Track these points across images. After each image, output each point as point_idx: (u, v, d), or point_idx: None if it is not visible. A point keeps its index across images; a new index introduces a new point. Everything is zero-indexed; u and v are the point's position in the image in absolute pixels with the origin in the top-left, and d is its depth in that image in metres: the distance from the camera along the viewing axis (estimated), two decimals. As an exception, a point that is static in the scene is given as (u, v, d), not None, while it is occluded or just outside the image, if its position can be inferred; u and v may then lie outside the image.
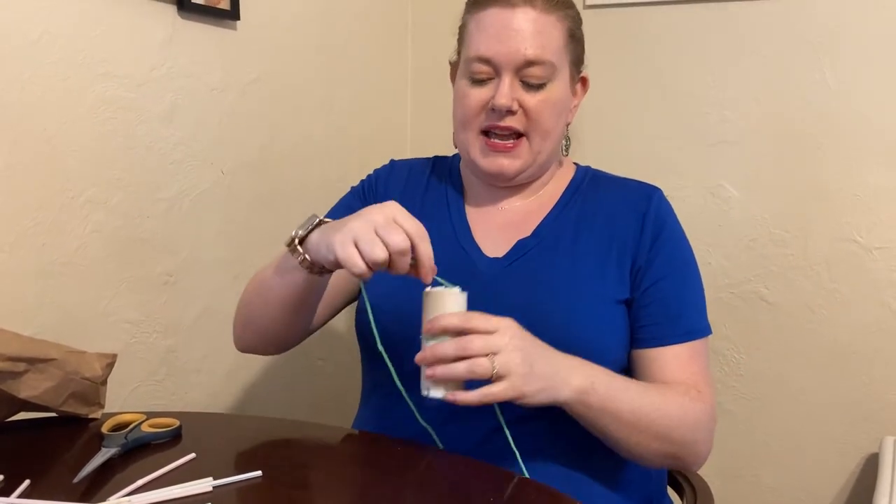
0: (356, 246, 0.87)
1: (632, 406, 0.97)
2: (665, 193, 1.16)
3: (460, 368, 0.87)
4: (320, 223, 0.96)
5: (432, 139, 1.24)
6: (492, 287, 1.06)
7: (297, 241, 0.96)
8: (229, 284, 1.46)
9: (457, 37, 1.17)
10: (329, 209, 1.24)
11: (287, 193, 1.58)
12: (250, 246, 1.50)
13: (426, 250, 0.90)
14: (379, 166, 1.28)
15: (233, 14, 1.40)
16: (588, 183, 1.19)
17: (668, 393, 1.02)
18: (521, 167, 1.11)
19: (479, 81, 1.09)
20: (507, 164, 1.10)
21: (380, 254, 0.86)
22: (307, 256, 0.95)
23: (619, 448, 1.01)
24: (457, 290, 0.90)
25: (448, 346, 0.87)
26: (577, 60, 1.14)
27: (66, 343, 1.02)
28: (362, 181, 1.27)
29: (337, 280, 1.12)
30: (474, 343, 0.87)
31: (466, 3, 1.14)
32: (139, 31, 1.26)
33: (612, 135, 1.75)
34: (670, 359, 1.05)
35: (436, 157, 1.28)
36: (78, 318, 1.21)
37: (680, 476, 1.23)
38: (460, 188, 1.22)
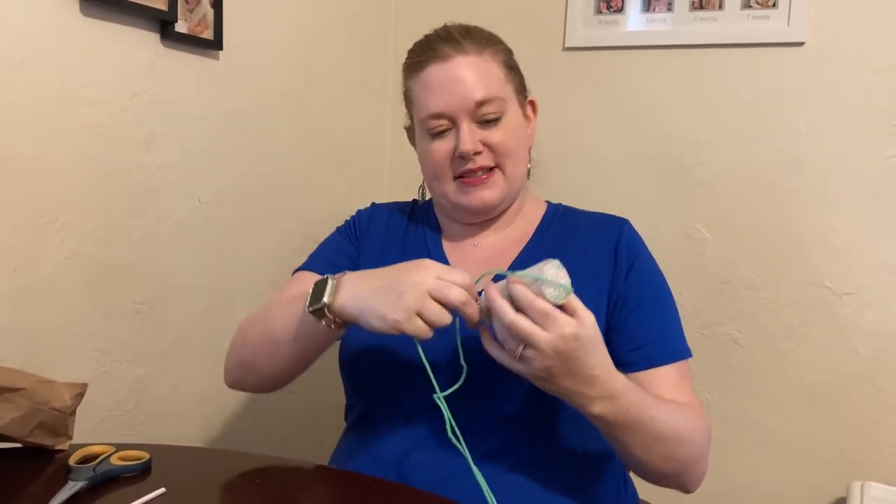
0: (421, 316, 0.89)
1: (656, 426, 0.98)
2: (640, 234, 1.19)
3: (500, 331, 0.89)
4: (338, 281, 0.97)
5: (411, 173, 1.25)
6: None
7: (325, 308, 0.96)
8: (202, 315, 1.45)
9: (404, 103, 1.22)
10: (316, 244, 1.24)
11: (264, 224, 1.58)
12: (225, 276, 1.49)
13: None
14: (357, 199, 1.29)
15: (216, 44, 1.40)
16: (559, 218, 1.23)
17: (685, 412, 1.03)
18: (501, 195, 1.16)
19: (438, 135, 1.14)
20: (487, 195, 1.15)
21: (447, 319, 0.90)
22: (337, 319, 0.97)
23: (629, 461, 1.02)
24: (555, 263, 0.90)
25: (507, 312, 0.87)
26: (520, 88, 1.19)
27: (34, 371, 0.99)
28: (347, 221, 1.30)
29: None
30: (520, 326, 0.87)
31: (404, 69, 1.19)
32: (121, 57, 1.25)
33: (587, 175, 1.77)
34: (662, 380, 1.07)
35: (414, 201, 1.31)
36: (47, 346, 1.19)
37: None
38: (437, 228, 1.26)
